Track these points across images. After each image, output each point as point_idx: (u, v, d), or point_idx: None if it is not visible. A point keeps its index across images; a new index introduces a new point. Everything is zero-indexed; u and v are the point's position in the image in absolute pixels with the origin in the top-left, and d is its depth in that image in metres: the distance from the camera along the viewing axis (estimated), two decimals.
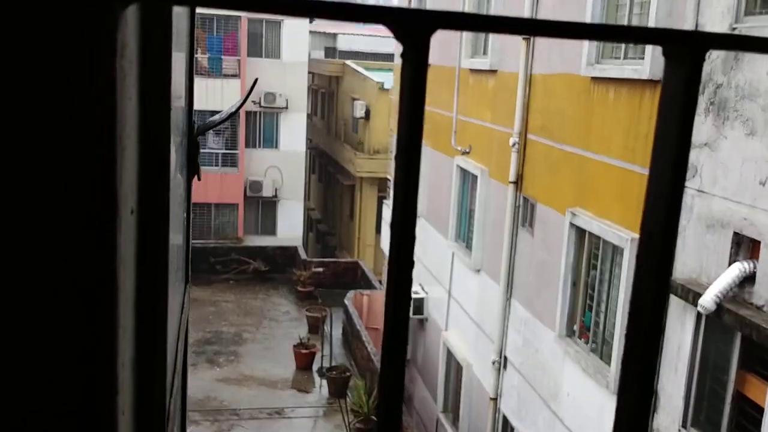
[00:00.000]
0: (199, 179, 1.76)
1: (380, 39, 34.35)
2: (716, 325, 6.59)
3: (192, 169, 1.67)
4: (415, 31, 0.47)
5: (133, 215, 0.59)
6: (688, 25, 6.99)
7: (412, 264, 0.51)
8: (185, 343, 1.73)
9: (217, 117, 2.24)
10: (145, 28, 0.60)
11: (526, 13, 10.37)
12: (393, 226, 0.48)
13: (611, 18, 8.64)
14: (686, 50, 0.52)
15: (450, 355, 13.55)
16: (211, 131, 26.05)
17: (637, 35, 0.58)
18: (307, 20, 27.17)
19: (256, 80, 2.95)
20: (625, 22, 8.29)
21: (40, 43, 0.42)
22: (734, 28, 6.45)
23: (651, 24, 7.51)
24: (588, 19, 8.74)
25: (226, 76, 25.62)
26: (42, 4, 0.41)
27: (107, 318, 0.47)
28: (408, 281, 0.50)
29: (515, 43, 10.78)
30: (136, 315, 0.66)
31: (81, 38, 0.42)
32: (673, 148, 0.52)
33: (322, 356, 17.87)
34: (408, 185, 0.50)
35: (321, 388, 17.26)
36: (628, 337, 0.55)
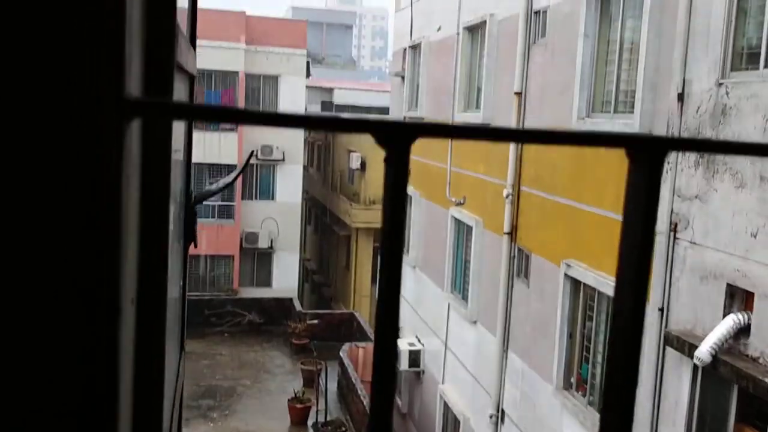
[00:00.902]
0: (195, 246, 1.80)
1: (375, 93, 34.84)
2: (713, 378, 6.56)
3: (189, 237, 1.70)
4: (396, 140, 0.52)
5: (133, 305, 0.62)
6: (675, 81, 7.14)
7: (397, 326, 0.54)
8: (179, 412, 1.74)
9: (213, 186, 2.29)
10: (146, 135, 0.64)
11: (517, 71, 10.58)
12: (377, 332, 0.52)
13: (600, 75, 8.82)
14: (647, 152, 0.56)
15: (447, 408, 13.39)
16: (208, 183, 26.14)
17: (599, 139, 0.62)
18: (304, 75, 27.58)
19: (252, 152, 3.03)
20: (614, 79, 8.46)
21: (52, 155, 0.46)
22: (720, 83, 6.59)
23: (639, 80, 7.67)
24: (577, 77, 8.91)
25: (224, 130, 25.87)
26: (54, 119, 0.46)
27: (107, 409, 0.50)
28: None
29: (508, 97, 10.96)
30: (134, 402, 0.69)
31: (88, 149, 0.46)
32: (636, 247, 0.56)
33: (317, 410, 17.62)
34: (391, 281, 0.54)
35: None
36: (607, 384, 0.57)
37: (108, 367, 0.48)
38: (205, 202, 26.38)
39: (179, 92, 1.30)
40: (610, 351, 0.58)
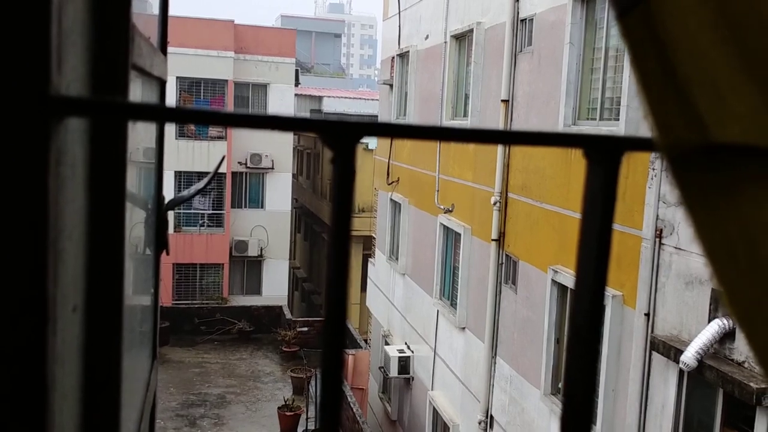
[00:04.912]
0: (167, 254, 1.78)
1: (364, 101, 34.91)
2: (699, 382, 6.57)
3: (160, 244, 1.68)
4: (341, 140, 0.50)
5: (75, 312, 0.60)
6: None
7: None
8: (152, 423, 1.71)
9: (185, 193, 2.27)
10: (96, 136, 0.62)
11: (504, 79, 10.60)
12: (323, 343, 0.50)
13: (586, 83, 8.85)
14: (604, 152, 0.55)
15: (436, 414, 13.37)
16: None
17: (559, 139, 0.61)
18: (292, 84, 27.58)
19: (224, 158, 3.01)
20: (600, 87, 8.49)
21: None
22: None
23: (625, 87, 7.70)
24: (563, 84, 8.94)
25: (213, 138, 25.83)
26: None
27: (38, 424, 0.48)
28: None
29: (495, 105, 10.99)
30: (82, 413, 0.67)
31: (10, 152, 0.44)
32: (593, 249, 0.54)
33: (307, 418, 17.56)
34: (339, 281, 0.52)
35: None
36: (566, 380, 0.56)
37: (36, 377, 0.46)
38: (194, 211, 26.32)
39: (147, 96, 1.28)
40: (569, 349, 0.57)
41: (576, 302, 0.58)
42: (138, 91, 1.11)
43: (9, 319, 0.45)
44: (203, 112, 0.48)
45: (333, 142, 0.50)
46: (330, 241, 0.53)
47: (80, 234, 0.60)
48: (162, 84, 1.54)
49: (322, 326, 0.53)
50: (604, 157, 0.55)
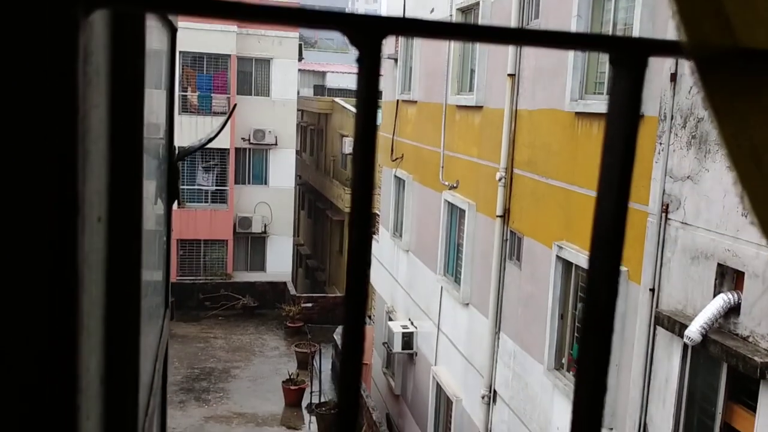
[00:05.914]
0: (179, 205, 1.78)
1: None
2: (703, 357, 6.59)
3: (172, 193, 1.68)
4: (369, 36, 0.50)
5: (100, 223, 0.60)
6: (668, 62, 7.11)
7: (368, 265, 0.52)
8: (164, 366, 1.72)
9: (196, 143, 2.27)
10: (115, 37, 0.62)
11: (510, 53, 10.53)
12: (351, 222, 0.50)
13: (593, 57, 8.77)
14: (630, 56, 0.54)
15: (440, 389, 13.45)
16: (200, 168, 26.07)
17: (582, 41, 0.60)
18: (296, 59, 27.44)
19: (235, 106, 3.01)
20: (607, 61, 8.41)
21: None
22: None
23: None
24: (570, 58, 8.88)
25: (216, 113, 25.75)
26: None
27: (67, 320, 0.48)
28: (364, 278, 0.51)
29: (501, 79, 10.93)
30: (106, 321, 0.67)
31: (40, 43, 0.44)
32: (619, 154, 0.54)
33: (312, 392, 17.69)
34: (363, 201, 0.52)
35: (310, 424, 17.05)
36: (582, 339, 0.56)
37: (67, 268, 0.46)
38: (198, 187, 26.31)
39: (160, 42, 1.27)
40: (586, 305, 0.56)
41: (598, 216, 0.57)
42: (154, 34, 1.11)
43: (43, 213, 0.45)
44: (231, 3, 0.48)
45: (360, 38, 0.50)
46: (354, 151, 0.53)
47: (104, 142, 0.60)
48: (173, 32, 1.53)
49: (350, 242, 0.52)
50: (630, 60, 0.55)
